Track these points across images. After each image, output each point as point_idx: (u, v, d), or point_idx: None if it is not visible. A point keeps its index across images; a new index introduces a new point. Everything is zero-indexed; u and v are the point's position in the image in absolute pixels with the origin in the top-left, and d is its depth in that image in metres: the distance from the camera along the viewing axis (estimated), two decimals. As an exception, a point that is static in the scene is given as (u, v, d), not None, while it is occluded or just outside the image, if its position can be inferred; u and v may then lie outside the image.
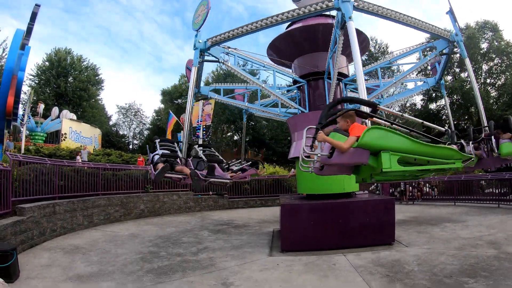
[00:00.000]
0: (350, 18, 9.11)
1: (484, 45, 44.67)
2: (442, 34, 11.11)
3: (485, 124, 9.78)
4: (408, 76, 12.72)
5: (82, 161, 21.88)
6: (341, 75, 13.06)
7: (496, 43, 43.55)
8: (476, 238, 10.82)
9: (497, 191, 20.74)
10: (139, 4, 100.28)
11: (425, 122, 6.10)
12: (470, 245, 9.86)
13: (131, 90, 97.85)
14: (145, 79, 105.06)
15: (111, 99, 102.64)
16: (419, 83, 14.36)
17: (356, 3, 9.63)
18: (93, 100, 54.63)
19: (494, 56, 44.01)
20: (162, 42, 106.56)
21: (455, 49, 11.28)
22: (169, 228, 14.74)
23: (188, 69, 13.46)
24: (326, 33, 12.63)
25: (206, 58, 11.58)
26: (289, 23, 12.91)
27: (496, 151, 8.68)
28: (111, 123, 63.48)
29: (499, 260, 8.18)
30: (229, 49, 12.90)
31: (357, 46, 8.73)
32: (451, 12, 11.30)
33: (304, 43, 12.87)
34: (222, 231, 13.79)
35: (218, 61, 11.30)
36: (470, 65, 10.62)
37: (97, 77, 56.61)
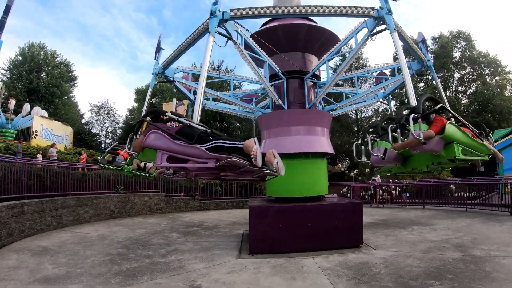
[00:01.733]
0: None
1: (457, 54, 46.09)
2: (366, 13, 10.38)
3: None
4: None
5: (51, 159, 21.40)
6: (315, 77, 13.17)
7: (468, 53, 44.96)
8: (443, 241, 11.06)
9: (465, 195, 21.18)
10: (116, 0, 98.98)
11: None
12: (437, 248, 10.06)
13: (105, 88, 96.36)
14: (119, 77, 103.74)
15: (84, 96, 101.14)
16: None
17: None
18: (66, 97, 53.61)
19: (466, 65, 45.39)
20: (137, 39, 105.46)
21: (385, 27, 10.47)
22: (139, 229, 14.64)
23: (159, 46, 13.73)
24: (307, 34, 12.73)
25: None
26: (269, 19, 12.99)
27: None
28: (83, 121, 62.50)
29: (464, 262, 8.36)
30: (184, 68, 13.43)
31: (403, 56, 9.41)
32: None
33: (284, 41, 12.80)
34: (192, 233, 13.76)
35: (230, 38, 10.55)
36: (398, 41, 10.14)
37: (70, 74, 55.62)
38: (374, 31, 10.63)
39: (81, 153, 25.80)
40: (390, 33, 10.26)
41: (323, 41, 13.12)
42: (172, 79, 13.84)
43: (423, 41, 12.81)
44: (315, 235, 10.20)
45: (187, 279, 7.69)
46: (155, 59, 13.77)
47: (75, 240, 12.24)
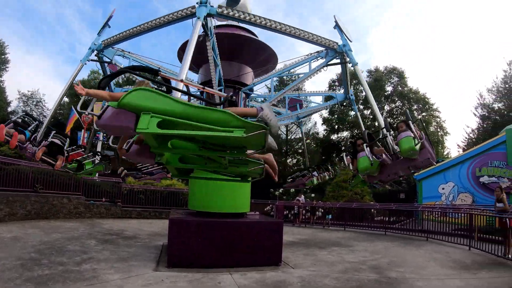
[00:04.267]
0: (357, 63, 10.91)
1: (389, 88, 48.64)
2: (329, 44, 11.62)
3: (382, 125, 10.63)
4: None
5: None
6: (242, 84, 13.30)
7: (400, 88, 47.58)
8: (360, 262, 11.34)
9: (385, 220, 22.02)
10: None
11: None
12: (354, 269, 10.29)
13: (37, 76, 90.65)
14: (54, 67, 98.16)
15: (14, 83, 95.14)
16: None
17: (219, 10, 10.16)
18: None
19: (396, 99, 47.83)
20: (79, 30, 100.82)
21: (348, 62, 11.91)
22: (55, 233, 13.97)
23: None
24: (252, 48, 12.90)
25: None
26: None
27: (396, 148, 9.49)
28: (9, 109, 59.03)
29: (380, 283, 8.66)
30: (124, 52, 12.88)
31: (367, 86, 9.90)
32: (337, 26, 11.94)
33: (226, 50, 12.84)
34: (110, 241, 13.30)
35: (110, 62, 10.96)
36: (361, 72, 11.36)
37: (3, 56, 52.33)
38: (330, 62, 11.82)
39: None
40: (352, 66, 11.59)
41: (263, 57, 13.39)
42: (110, 59, 13.33)
43: (337, 26, 13.36)
44: (234, 252, 10.18)
45: (100, 290, 7.45)
46: (98, 34, 13.22)
47: (-14, 240, 11.53)
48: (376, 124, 11.90)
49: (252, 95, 13.87)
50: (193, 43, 9.65)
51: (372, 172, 10.22)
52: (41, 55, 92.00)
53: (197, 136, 4.63)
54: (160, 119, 4.42)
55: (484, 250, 13.09)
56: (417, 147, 9.18)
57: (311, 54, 12.71)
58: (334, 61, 12.12)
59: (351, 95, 14.81)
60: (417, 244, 15.61)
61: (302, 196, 27.40)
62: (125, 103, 4.58)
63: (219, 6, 10.73)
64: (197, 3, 10.81)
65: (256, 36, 13.62)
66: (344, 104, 15.37)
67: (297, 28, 11.31)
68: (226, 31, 13.02)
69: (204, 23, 10.49)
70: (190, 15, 11.08)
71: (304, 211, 25.47)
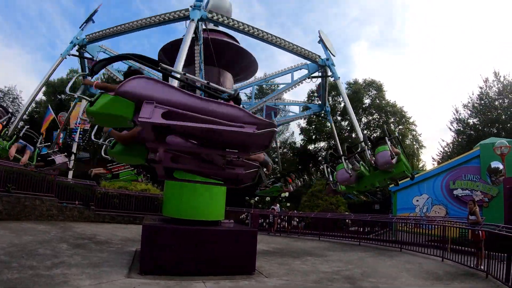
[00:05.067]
0: (339, 78, 12.02)
1: (367, 101, 49.03)
2: (311, 57, 11.99)
3: (361, 139, 11.50)
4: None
5: None
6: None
7: (378, 101, 48.05)
8: (334, 272, 11.41)
9: (360, 230, 22.17)
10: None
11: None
12: (327, 279, 10.35)
13: (14, 72, 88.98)
14: (32, 64, 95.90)
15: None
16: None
17: (209, 15, 10.34)
18: None
19: (374, 111, 48.31)
20: (60, 27, 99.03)
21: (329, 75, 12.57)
22: (26, 236, 13.66)
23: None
24: (234, 54, 12.94)
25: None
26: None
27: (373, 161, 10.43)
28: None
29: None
30: (107, 49, 12.72)
31: (348, 100, 10.36)
32: (321, 41, 12.34)
33: (206, 54, 12.64)
34: (82, 246, 13.07)
35: (92, 59, 10.91)
36: (343, 87, 11.97)
37: None
38: (314, 74, 12.35)
39: None
40: (334, 80, 12.30)
41: (244, 64, 13.47)
42: (92, 56, 13.09)
43: (321, 40, 13.63)
44: (208, 260, 10.13)
45: (70, 296, 7.32)
46: (80, 28, 12.97)
47: (-49, 241, 11.24)
48: (354, 135, 12.37)
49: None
50: (187, 44, 9.78)
51: (351, 183, 10.94)
52: (20, 49, 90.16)
53: (202, 131, 4.36)
54: (165, 110, 4.20)
55: (457, 261, 13.27)
56: (394, 161, 9.94)
57: (295, 65, 13.12)
58: (316, 73, 12.55)
59: (327, 106, 15.12)
60: (391, 254, 15.77)
61: (278, 205, 27.47)
62: (124, 91, 4.39)
63: (210, 12, 11.00)
64: (190, 6, 11.06)
65: (238, 42, 13.67)
66: (321, 115, 15.71)
67: (284, 39, 11.73)
68: (206, 36, 13.03)
69: (195, 26, 10.64)
70: (183, 18, 11.37)
71: (279, 220, 25.49)
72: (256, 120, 4.20)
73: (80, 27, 12.96)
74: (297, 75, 13.15)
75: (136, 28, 11.68)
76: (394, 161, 10.02)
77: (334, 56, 12.29)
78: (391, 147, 10.12)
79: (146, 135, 4.64)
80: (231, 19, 11.36)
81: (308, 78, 12.71)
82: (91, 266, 10.02)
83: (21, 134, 10.99)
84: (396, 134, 12.44)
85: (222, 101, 4.56)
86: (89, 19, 12.96)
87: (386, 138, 10.30)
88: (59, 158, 12.78)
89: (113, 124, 5.45)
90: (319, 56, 12.45)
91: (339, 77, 11.93)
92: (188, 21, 10.90)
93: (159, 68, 5.23)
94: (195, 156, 5.37)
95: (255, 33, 11.36)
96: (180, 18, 11.42)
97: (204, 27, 11.50)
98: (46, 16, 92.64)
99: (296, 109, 18.22)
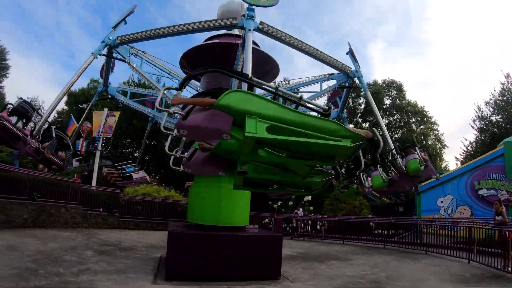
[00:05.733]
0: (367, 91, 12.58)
1: (388, 101, 48.46)
2: (343, 68, 12.17)
3: (392, 147, 11.79)
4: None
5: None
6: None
7: (398, 101, 47.53)
8: (359, 276, 11.28)
9: (384, 233, 21.92)
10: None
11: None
12: (353, 283, 10.23)
13: (36, 83, 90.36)
14: (52, 74, 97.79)
15: (13, 88, 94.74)
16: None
17: (260, 26, 10.43)
18: None
19: (395, 112, 47.77)
20: (78, 38, 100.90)
21: (356, 84, 12.91)
22: (52, 243, 13.82)
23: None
24: (254, 59, 12.97)
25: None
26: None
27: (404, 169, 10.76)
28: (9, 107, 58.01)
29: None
30: (138, 51, 12.76)
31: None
32: (350, 53, 12.48)
33: (216, 60, 12.55)
34: (107, 253, 13.15)
35: (124, 61, 10.93)
36: (371, 97, 12.27)
37: (4, 62, 51.87)
38: (342, 85, 13.06)
39: None
40: (364, 92, 12.79)
41: (266, 68, 13.45)
42: (124, 57, 13.09)
43: (350, 52, 13.70)
44: (233, 265, 10.10)
45: (97, 302, 7.36)
46: (113, 28, 12.91)
47: (-20, 248, 11.38)
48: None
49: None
50: (249, 55, 10.07)
51: (384, 187, 11.12)
52: (40, 60, 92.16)
53: (297, 144, 4.56)
54: (269, 124, 4.34)
55: (484, 263, 13.03)
56: (422, 167, 10.60)
57: (324, 75, 13.44)
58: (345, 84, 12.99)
59: (344, 113, 15.46)
60: (416, 257, 15.55)
61: (301, 209, 27.36)
62: (224, 104, 4.41)
63: (261, 23, 11.28)
64: (243, 15, 11.51)
65: (258, 46, 13.63)
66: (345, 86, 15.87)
67: (319, 50, 11.92)
68: (227, 41, 13.04)
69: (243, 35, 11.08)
70: (232, 26, 11.79)
71: (302, 224, 25.35)
72: (352, 134, 4.44)
73: (112, 27, 12.93)
74: (324, 85, 13.48)
75: (174, 33, 11.58)
76: (422, 167, 10.60)
77: (359, 68, 12.63)
78: (419, 154, 10.68)
79: (242, 149, 4.86)
80: (280, 30, 11.57)
81: (338, 88, 13.05)
82: (116, 272, 10.07)
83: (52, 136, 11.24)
84: (424, 144, 13.06)
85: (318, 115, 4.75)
86: (123, 20, 12.97)
87: (417, 147, 10.97)
88: (139, 174, 13.00)
89: (206, 139, 5.73)
90: (349, 68, 12.73)
91: (368, 89, 12.32)
92: (235, 30, 11.78)
93: (250, 80, 5.31)
94: (280, 166, 5.50)
95: (295, 43, 11.62)
96: (227, 26, 11.80)
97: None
98: (63, 28, 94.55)
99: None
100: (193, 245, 10.05)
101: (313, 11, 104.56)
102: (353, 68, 12.70)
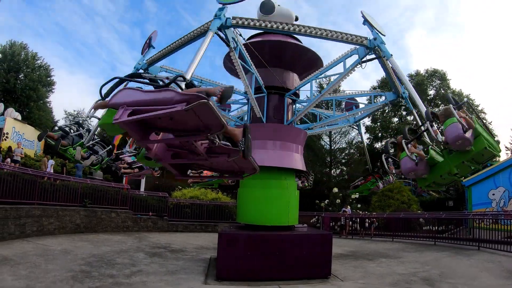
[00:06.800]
0: (391, 55, 10.88)
1: (432, 92, 47.34)
2: (359, 41, 11.13)
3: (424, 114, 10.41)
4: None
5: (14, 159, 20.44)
6: (295, 95, 13.26)
7: (442, 91, 46.04)
8: (411, 274, 11.07)
9: (434, 229, 21.35)
10: (101, 8, 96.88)
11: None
12: (404, 281, 10.04)
13: (82, 96, 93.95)
14: (96, 87, 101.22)
15: (59, 102, 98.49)
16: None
17: (234, 21, 10.22)
18: (42, 102, 51.73)
19: (440, 102, 46.16)
20: (119, 51, 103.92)
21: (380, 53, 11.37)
22: (104, 246, 14.24)
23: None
24: (293, 53, 12.88)
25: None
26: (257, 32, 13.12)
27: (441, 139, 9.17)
28: (56, 128, 60.33)
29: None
30: (167, 69, 13.00)
31: (405, 76, 11.37)
32: (366, 21, 11.47)
33: (268, 57, 12.64)
34: (158, 255, 13.43)
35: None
36: (396, 64, 11.09)
37: (49, 78, 53.75)
38: (365, 59, 11.50)
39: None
40: (387, 59, 11.21)
41: (306, 61, 13.33)
42: (155, 76, 13.38)
43: (366, 21, 12.54)
44: (283, 265, 10.10)
45: (151, 302, 7.48)
46: (142, 54, 13.45)
47: (38, 252, 11.82)
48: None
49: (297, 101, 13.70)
50: (201, 53, 9.68)
51: (419, 173, 9.53)
52: (84, 75, 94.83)
53: (162, 123, 4.72)
54: (130, 110, 4.47)
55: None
56: (468, 135, 8.39)
57: (345, 53, 12.17)
58: (369, 57, 11.59)
59: (404, 93, 13.59)
60: (468, 253, 15.06)
61: (349, 207, 27.04)
62: (111, 103, 4.76)
63: (233, 18, 10.55)
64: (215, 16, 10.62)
65: (300, 41, 13.44)
66: (399, 103, 14.79)
67: (320, 28, 11.04)
68: (264, 39, 12.98)
69: (223, 35, 10.44)
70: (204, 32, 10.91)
71: (350, 222, 25.08)
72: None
73: (141, 53, 13.45)
74: (349, 62, 12.13)
75: (175, 48, 11.69)
76: (468, 135, 8.32)
77: (383, 35, 11.31)
78: (461, 118, 8.66)
79: (131, 135, 5.30)
80: (257, 20, 10.91)
81: (359, 63, 11.65)
82: (168, 273, 10.26)
83: (90, 144, 11.74)
84: (465, 100, 11.42)
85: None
86: (148, 46, 13.22)
87: (451, 106, 9.02)
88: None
89: (117, 132, 6.20)
90: (366, 38, 11.32)
91: (391, 55, 10.82)
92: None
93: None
94: (189, 149, 5.54)
95: (285, 28, 10.85)
96: (202, 34, 10.97)
97: (236, 34, 11.28)
98: (104, 42, 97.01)
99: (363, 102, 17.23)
100: (243, 245, 10.12)
101: (348, 5, 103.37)
102: (371, 37, 11.36)
